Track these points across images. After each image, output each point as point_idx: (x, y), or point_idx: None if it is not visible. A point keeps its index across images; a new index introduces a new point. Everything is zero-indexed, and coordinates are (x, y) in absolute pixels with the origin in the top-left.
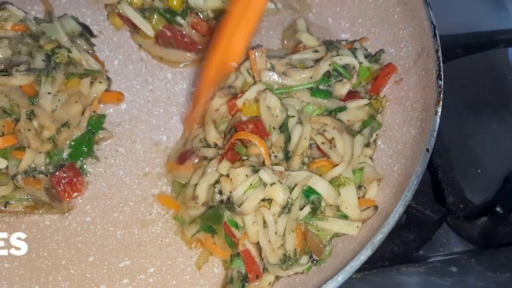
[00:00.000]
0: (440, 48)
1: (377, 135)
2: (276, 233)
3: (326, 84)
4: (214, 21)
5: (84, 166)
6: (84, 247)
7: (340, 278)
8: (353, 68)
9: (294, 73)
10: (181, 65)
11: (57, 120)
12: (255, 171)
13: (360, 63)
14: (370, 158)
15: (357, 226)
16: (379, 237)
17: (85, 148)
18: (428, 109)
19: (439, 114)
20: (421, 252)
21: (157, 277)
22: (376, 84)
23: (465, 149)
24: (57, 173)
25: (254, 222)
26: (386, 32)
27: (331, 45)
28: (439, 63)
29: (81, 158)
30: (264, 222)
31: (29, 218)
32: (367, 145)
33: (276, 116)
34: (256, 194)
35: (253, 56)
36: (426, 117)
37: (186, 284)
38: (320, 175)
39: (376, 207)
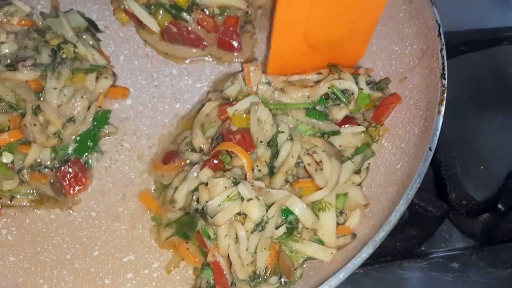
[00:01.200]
0: (444, 47)
1: (369, 163)
2: (247, 249)
3: (323, 106)
4: (220, 17)
5: (89, 161)
6: (88, 241)
7: (342, 275)
8: (352, 94)
9: (292, 91)
10: (186, 61)
11: (62, 115)
12: (235, 183)
13: (361, 89)
14: (359, 185)
15: (331, 253)
16: (381, 235)
17: (91, 143)
18: (431, 107)
19: (442, 113)
20: (423, 248)
21: (161, 272)
22: (377, 112)
23: (468, 145)
24: (63, 168)
25: (226, 235)
26: (391, 30)
27: (334, 68)
28: (443, 62)
29: (86, 153)
30: (237, 236)
31: (34, 212)
32: (358, 171)
33: (266, 130)
34: (231, 207)
35: (247, 70)
36: (430, 116)
37: (190, 279)
38: (301, 196)
39: (354, 235)
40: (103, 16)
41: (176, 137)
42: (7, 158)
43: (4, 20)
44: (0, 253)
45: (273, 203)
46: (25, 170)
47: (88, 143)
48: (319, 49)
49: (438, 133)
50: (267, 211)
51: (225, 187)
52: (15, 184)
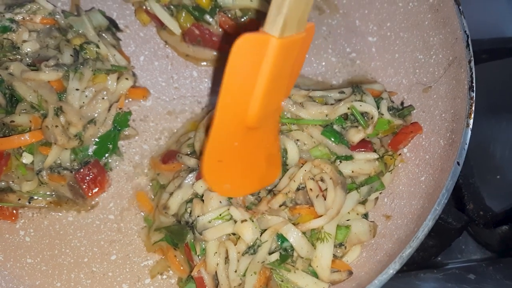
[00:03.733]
0: (473, 58)
1: (380, 193)
2: (236, 271)
3: (341, 126)
4: (242, 19)
5: (109, 163)
6: (106, 245)
7: None
8: (371, 117)
9: (311, 106)
10: (207, 63)
11: (84, 117)
12: (230, 203)
13: (381, 114)
14: (365, 215)
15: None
16: (408, 251)
17: (110, 145)
18: (458, 120)
19: (471, 126)
20: (439, 258)
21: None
22: (395, 139)
23: (485, 154)
24: (82, 170)
25: (216, 253)
26: (416, 38)
27: (357, 89)
28: (472, 74)
29: (106, 155)
30: (227, 256)
31: (52, 215)
32: (363, 202)
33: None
34: (222, 226)
35: None
36: (457, 128)
37: None
38: (298, 223)
39: (350, 273)
40: (123, 15)
41: (180, 137)
42: (27, 159)
43: (27, 18)
44: (18, 254)
45: (268, 228)
46: (44, 171)
47: (108, 145)
48: (256, 127)
49: (466, 147)
50: (261, 234)
51: (220, 202)
52: (35, 185)
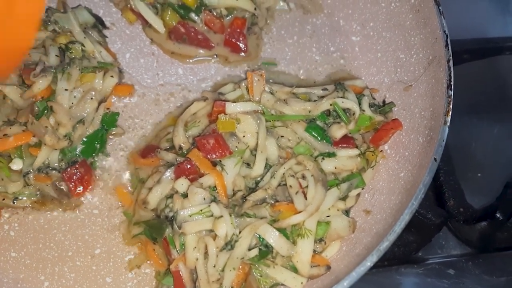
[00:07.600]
0: (451, 58)
1: (362, 188)
2: (214, 266)
3: (323, 122)
4: (227, 18)
5: (95, 162)
6: (90, 239)
7: (346, 283)
8: (353, 114)
9: (295, 103)
10: (192, 60)
11: (73, 117)
12: (213, 199)
13: (362, 110)
14: (346, 211)
15: (301, 282)
16: (385, 244)
17: (98, 145)
18: (437, 117)
19: (448, 124)
20: (419, 254)
21: None
22: (376, 136)
23: (466, 152)
24: (69, 169)
25: (195, 247)
26: (397, 37)
27: (339, 86)
28: (450, 73)
29: (93, 154)
30: (206, 251)
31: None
32: (344, 198)
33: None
34: (202, 222)
35: (251, 79)
36: (435, 126)
37: None
38: (278, 220)
39: (328, 267)
40: (109, 12)
41: (159, 132)
42: (17, 164)
43: None
44: (2, 248)
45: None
46: (31, 174)
47: (96, 145)
48: None
49: (443, 144)
50: (240, 232)
51: (204, 199)
52: (20, 186)
